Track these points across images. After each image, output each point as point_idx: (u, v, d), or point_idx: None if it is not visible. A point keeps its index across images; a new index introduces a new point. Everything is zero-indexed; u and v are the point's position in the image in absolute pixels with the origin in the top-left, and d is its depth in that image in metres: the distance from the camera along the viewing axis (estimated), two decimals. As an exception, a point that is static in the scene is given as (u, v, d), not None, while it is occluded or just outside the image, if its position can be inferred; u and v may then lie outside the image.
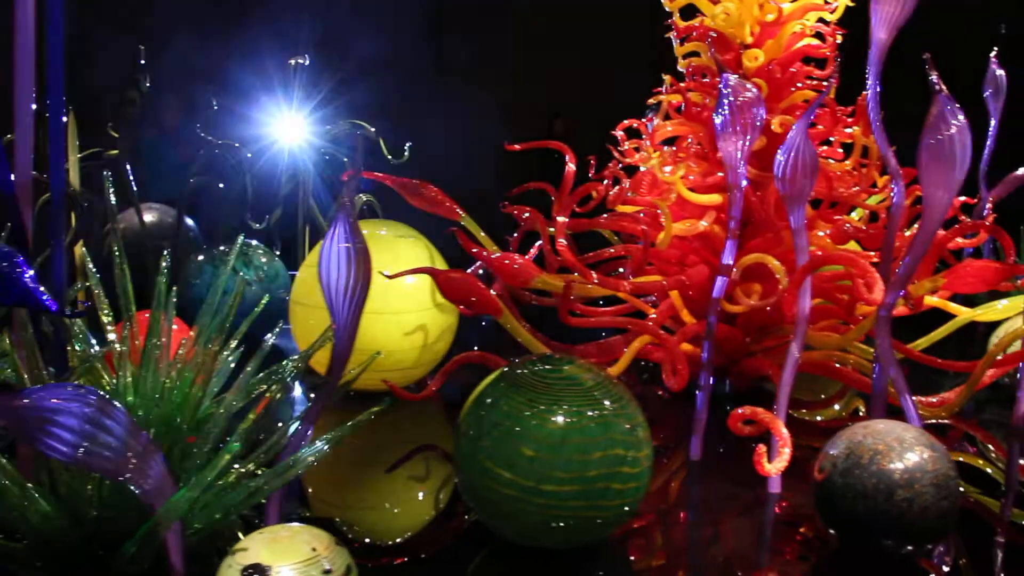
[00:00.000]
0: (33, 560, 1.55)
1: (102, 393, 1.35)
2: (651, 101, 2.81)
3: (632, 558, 1.94)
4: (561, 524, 1.70)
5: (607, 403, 1.74)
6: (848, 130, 2.68)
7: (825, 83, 2.56)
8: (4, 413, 1.27)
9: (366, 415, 1.73)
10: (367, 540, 1.99)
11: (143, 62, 3.09)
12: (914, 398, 2.37)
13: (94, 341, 1.84)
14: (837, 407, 2.95)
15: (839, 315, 2.64)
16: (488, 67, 4.50)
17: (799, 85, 2.66)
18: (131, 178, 3.21)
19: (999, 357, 2.33)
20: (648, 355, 2.68)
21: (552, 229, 2.67)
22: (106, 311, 1.90)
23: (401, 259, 2.56)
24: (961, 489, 2.22)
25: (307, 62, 3.19)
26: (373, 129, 3.31)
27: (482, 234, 2.77)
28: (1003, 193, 2.87)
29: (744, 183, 2.15)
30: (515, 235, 2.94)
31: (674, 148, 2.83)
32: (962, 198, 2.81)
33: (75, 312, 1.51)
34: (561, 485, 1.66)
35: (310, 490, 2.22)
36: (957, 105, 1.85)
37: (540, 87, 4.50)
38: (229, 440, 1.69)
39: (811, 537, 1.99)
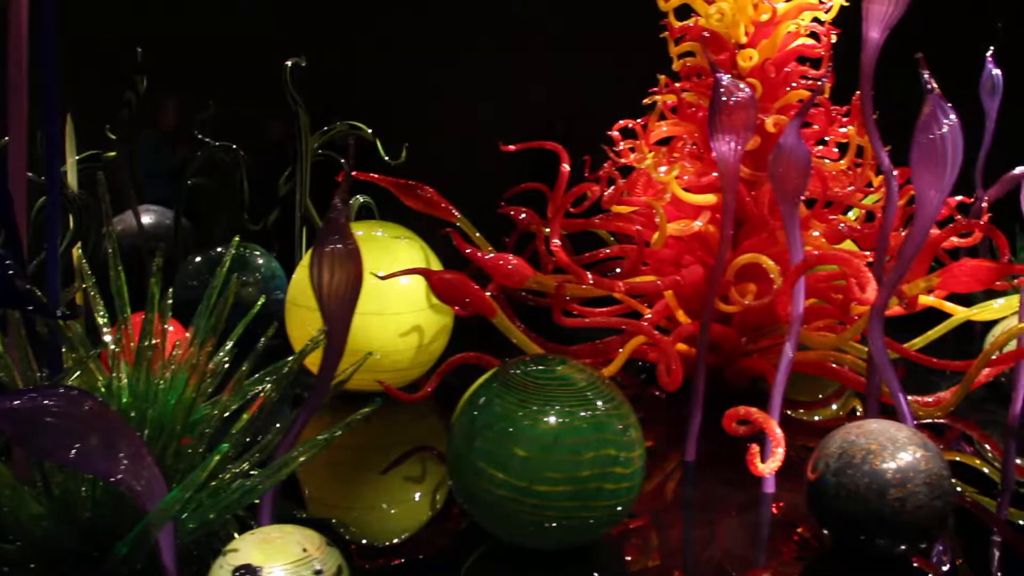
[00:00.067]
0: (27, 561, 1.56)
1: (94, 395, 1.36)
2: (646, 101, 2.81)
3: (626, 559, 1.94)
4: (554, 524, 1.70)
5: (599, 403, 1.74)
6: (842, 129, 2.68)
7: (819, 82, 2.56)
8: (-5, 415, 1.27)
9: (357, 416, 1.74)
10: (362, 541, 1.99)
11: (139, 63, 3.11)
12: (909, 398, 2.38)
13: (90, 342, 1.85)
14: (835, 407, 2.95)
15: (834, 315, 2.64)
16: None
17: (794, 85, 2.66)
18: (129, 180, 3.22)
19: (994, 356, 2.32)
20: (644, 355, 2.68)
21: (547, 229, 2.68)
22: (102, 312, 1.90)
23: (397, 260, 2.56)
24: (957, 488, 2.23)
25: (304, 63, 3.19)
26: (370, 130, 3.32)
27: (477, 234, 2.77)
28: (999, 192, 2.86)
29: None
30: (512, 236, 2.95)
31: (669, 148, 2.83)
32: (959, 197, 2.81)
33: (65, 314, 1.51)
34: (554, 486, 1.67)
35: (306, 491, 2.23)
36: (949, 104, 1.85)
37: (540, 87, 4.50)
38: (223, 440, 1.70)
39: (805, 537, 1.99)
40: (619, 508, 1.76)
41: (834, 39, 2.67)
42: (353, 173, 2.73)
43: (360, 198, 3.17)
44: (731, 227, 2.19)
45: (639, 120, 2.83)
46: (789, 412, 2.78)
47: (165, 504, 1.41)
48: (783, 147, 2.03)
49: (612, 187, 2.81)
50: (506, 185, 2.93)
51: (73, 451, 1.33)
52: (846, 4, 2.65)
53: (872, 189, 2.71)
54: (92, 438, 1.35)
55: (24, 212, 1.76)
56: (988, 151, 3.11)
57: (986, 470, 2.50)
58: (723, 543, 2.04)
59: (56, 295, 1.76)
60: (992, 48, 2.92)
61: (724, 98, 2.06)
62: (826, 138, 2.74)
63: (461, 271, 2.55)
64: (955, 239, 2.64)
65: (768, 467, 1.99)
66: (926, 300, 2.63)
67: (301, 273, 2.71)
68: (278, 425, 1.76)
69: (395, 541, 2.04)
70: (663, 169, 2.62)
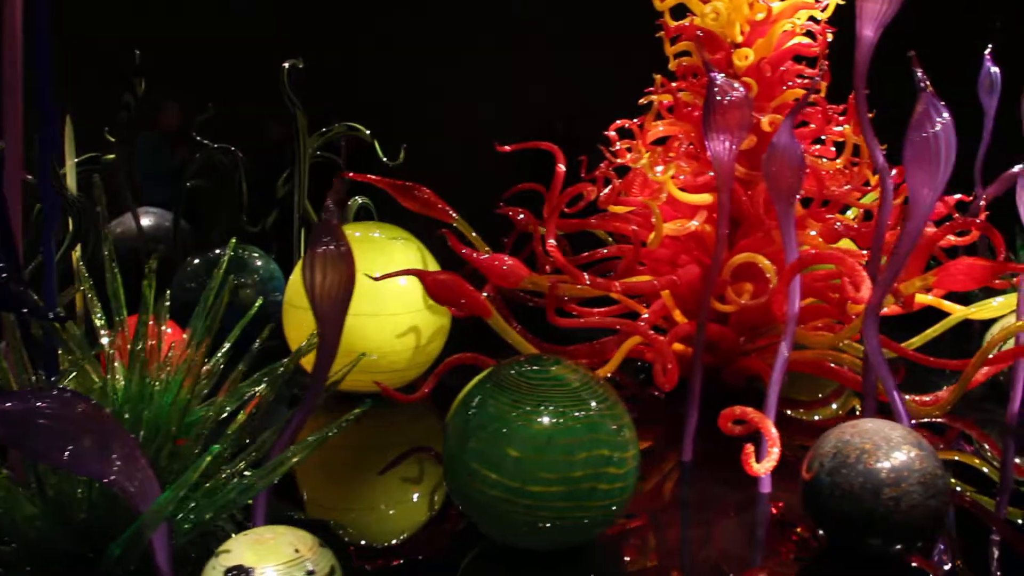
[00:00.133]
0: (22, 563, 1.56)
1: (87, 396, 1.36)
2: (642, 101, 2.81)
3: (622, 559, 1.94)
4: (548, 525, 1.70)
5: (593, 404, 1.74)
6: (838, 128, 2.68)
7: (812, 80, 2.55)
8: (-12, 417, 1.28)
9: (349, 417, 1.74)
10: (359, 542, 2.00)
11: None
12: (907, 397, 2.37)
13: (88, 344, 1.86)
14: (834, 406, 2.94)
15: (832, 314, 2.63)
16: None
17: (790, 84, 2.65)
18: (128, 182, 3.23)
19: (991, 355, 2.31)
20: (641, 355, 2.68)
21: (544, 230, 2.68)
22: (99, 314, 1.91)
23: (394, 261, 2.57)
24: (956, 488, 2.23)
25: (301, 64, 3.19)
26: (368, 132, 3.32)
27: (473, 235, 2.77)
28: (998, 191, 2.85)
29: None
30: (510, 236, 2.95)
31: (666, 148, 2.82)
32: (957, 196, 2.81)
33: (59, 316, 1.52)
34: (547, 486, 1.67)
35: (304, 492, 2.24)
36: (942, 102, 1.85)
37: (540, 87, 4.50)
38: (218, 442, 1.70)
39: (802, 537, 1.99)
40: (613, 508, 1.76)
41: (830, 38, 2.67)
42: (350, 174, 2.74)
43: (359, 199, 3.17)
44: (726, 226, 2.19)
45: (636, 120, 2.83)
46: (788, 412, 2.78)
47: (158, 505, 1.41)
48: (776, 146, 2.03)
49: (609, 187, 2.80)
50: (506, 185, 2.93)
51: (66, 453, 1.34)
52: (842, 3, 2.64)
53: (869, 188, 2.70)
54: (85, 440, 1.36)
55: (19, 215, 1.77)
56: (987, 149, 3.10)
57: (985, 469, 2.49)
58: (719, 543, 2.04)
59: (53, 297, 1.77)
60: (990, 46, 2.91)
61: (718, 97, 2.06)
62: (823, 137, 2.74)
63: (459, 272, 2.55)
64: (952, 237, 2.64)
65: (763, 467, 1.99)
66: (924, 299, 2.62)
67: (299, 274, 2.72)
68: (272, 425, 1.77)
69: (391, 542, 2.04)
70: (659, 169, 2.62)
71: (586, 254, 2.91)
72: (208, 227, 3.54)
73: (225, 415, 1.87)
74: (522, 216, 2.83)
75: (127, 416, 1.71)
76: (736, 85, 2.08)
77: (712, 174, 2.55)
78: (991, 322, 2.78)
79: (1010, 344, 2.48)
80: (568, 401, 1.72)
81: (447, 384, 2.58)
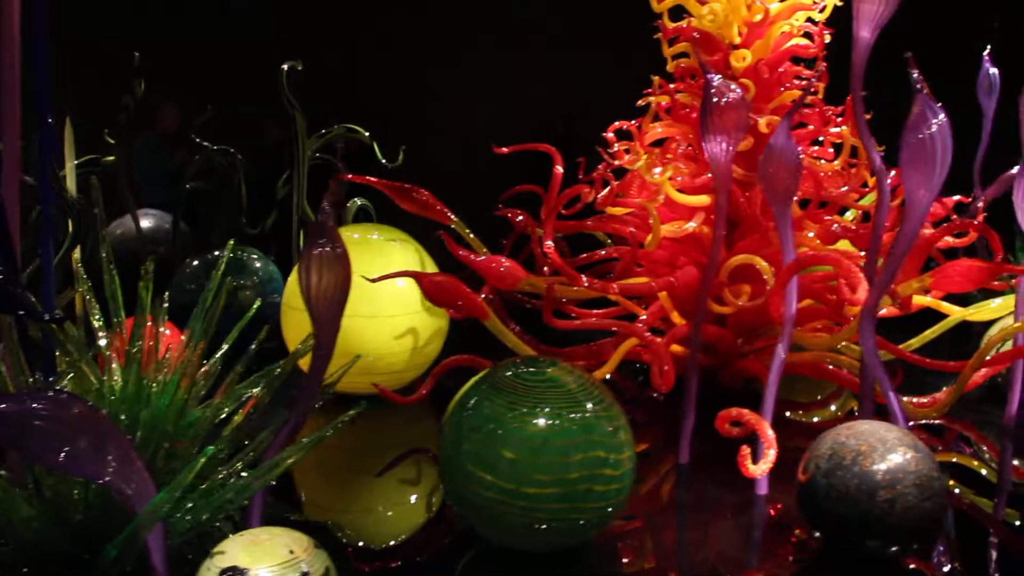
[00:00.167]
0: (19, 564, 1.57)
1: (83, 398, 1.37)
2: (640, 103, 2.81)
3: (618, 560, 1.94)
4: (544, 526, 1.71)
5: (589, 405, 1.74)
6: (835, 129, 2.68)
7: (808, 82, 2.55)
8: (-17, 418, 1.28)
9: (344, 418, 1.75)
10: (356, 543, 2.00)
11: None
12: (905, 398, 2.37)
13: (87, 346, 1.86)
14: (833, 407, 2.94)
15: (830, 316, 2.63)
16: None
17: (788, 85, 2.65)
18: (128, 184, 3.24)
19: (989, 357, 2.31)
20: (639, 357, 2.68)
21: (542, 231, 2.68)
22: (97, 316, 1.92)
23: (391, 263, 2.57)
24: (956, 490, 2.22)
25: (300, 66, 3.20)
26: (367, 133, 3.33)
27: (471, 236, 2.77)
28: (997, 193, 2.84)
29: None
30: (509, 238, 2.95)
31: (663, 150, 2.82)
32: (956, 197, 2.80)
33: (55, 318, 1.52)
34: (542, 488, 1.67)
35: (301, 493, 2.24)
36: (939, 103, 1.85)
37: (540, 87, 4.50)
38: (215, 443, 1.71)
39: (798, 539, 1.99)
40: (609, 509, 1.76)
41: (828, 39, 2.67)
42: (349, 176, 2.74)
43: (357, 201, 3.18)
44: (723, 228, 2.19)
45: (634, 121, 2.83)
46: (788, 413, 2.78)
47: (153, 506, 1.42)
48: (773, 147, 2.03)
49: (607, 189, 2.80)
50: (507, 186, 2.93)
51: (62, 454, 1.34)
52: (840, 4, 2.64)
53: (867, 189, 2.70)
54: (81, 441, 1.36)
55: (17, 216, 1.77)
56: (986, 150, 3.09)
57: (983, 471, 2.49)
58: (716, 545, 2.04)
59: (51, 299, 1.78)
60: (989, 47, 2.91)
61: (715, 99, 2.06)
62: (821, 138, 2.74)
63: (458, 274, 2.55)
64: (950, 239, 2.63)
65: (759, 468, 1.99)
66: (922, 300, 2.62)
67: (297, 276, 2.72)
68: (269, 426, 1.77)
69: (388, 543, 2.05)
70: (657, 171, 2.62)
71: (584, 255, 2.91)
72: (207, 229, 3.55)
73: (223, 416, 1.88)
74: (520, 218, 2.83)
75: (123, 417, 1.71)
76: (733, 86, 2.08)
77: (710, 175, 2.55)
78: (991, 324, 2.78)
79: (1008, 346, 2.47)
80: (564, 403, 1.73)
81: (445, 386, 2.58)
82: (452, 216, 2.74)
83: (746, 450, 2.00)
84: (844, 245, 2.74)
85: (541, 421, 1.70)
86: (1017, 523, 2.14)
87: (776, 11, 2.60)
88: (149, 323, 1.88)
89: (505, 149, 2.77)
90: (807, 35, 2.69)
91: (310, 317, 1.61)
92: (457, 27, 4.49)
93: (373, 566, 1.89)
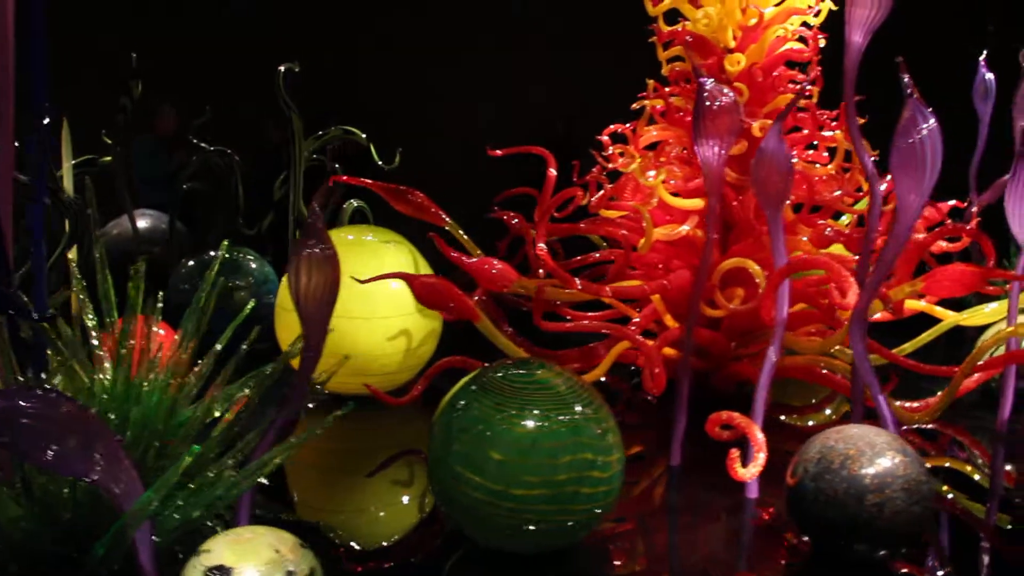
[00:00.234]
0: (6, 564, 1.57)
1: (72, 397, 1.37)
2: (635, 106, 2.81)
3: (607, 562, 1.94)
4: (531, 528, 1.71)
5: (578, 408, 1.74)
6: (829, 133, 2.68)
7: (800, 86, 2.56)
8: (-29, 417, 1.29)
9: (328, 420, 1.76)
10: (346, 543, 2.01)
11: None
12: (897, 403, 2.37)
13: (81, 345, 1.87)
14: (828, 411, 2.94)
15: (823, 320, 2.63)
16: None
17: (782, 89, 2.66)
18: (125, 184, 3.25)
19: (981, 362, 2.31)
20: (634, 360, 2.68)
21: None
22: (91, 316, 1.92)
23: (385, 264, 2.58)
24: (947, 495, 2.22)
25: (298, 68, 3.21)
26: (364, 135, 3.34)
27: (465, 238, 2.78)
28: (992, 198, 2.85)
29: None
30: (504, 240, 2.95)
31: (657, 153, 2.83)
32: (952, 202, 2.81)
33: (45, 317, 1.53)
34: (530, 489, 1.67)
35: (292, 493, 2.25)
36: (930, 108, 1.85)
37: (540, 87, 4.51)
38: (204, 442, 1.72)
39: (788, 542, 1.99)
40: (597, 511, 1.77)
41: (822, 43, 2.67)
42: (344, 178, 2.75)
43: (353, 202, 3.19)
44: (715, 231, 2.20)
45: (629, 124, 2.83)
46: (782, 417, 2.78)
47: (140, 504, 1.42)
48: (765, 151, 2.03)
49: (601, 191, 2.81)
50: (508, 188, 2.93)
51: (50, 452, 1.35)
52: (835, 8, 2.65)
53: (862, 194, 2.70)
54: (70, 440, 1.37)
55: (10, 216, 1.78)
56: (982, 155, 3.10)
57: (976, 476, 2.49)
58: (705, 548, 2.04)
59: (43, 298, 1.79)
60: (985, 52, 2.91)
61: (708, 103, 2.06)
62: (816, 143, 2.74)
63: (453, 276, 2.56)
64: (944, 244, 2.64)
65: (748, 472, 1.99)
66: (917, 305, 2.62)
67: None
68: (259, 426, 1.78)
69: (378, 544, 2.05)
70: (651, 174, 2.62)
71: (578, 258, 2.92)
72: (204, 230, 3.56)
73: (216, 416, 1.89)
74: (516, 220, 2.84)
75: (113, 416, 1.72)
76: (726, 90, 2.09)
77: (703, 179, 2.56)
78: (986, 328, 2.78)
79: (1001, 350, 2.47)
80: (552, 405, 1.73)
81: (438, 387, 2.59)
82: (446, 218, 2.75)
83: (735, 453, 2.00)
84: (838, 249, 2.74)
85: (530, 423, 1.70)
86: (1008, 528, 2.14)
87: (771, 15, 2.61)
88: (141, 323, 1.89)
89: (499, 152, 2.78)
90: (802, 39, 2.69)
91: (299, 317, 1.62)
92: (457, 27, 4.50)
93: (362, 567, 1.90)
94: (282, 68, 3.19)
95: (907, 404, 2.44)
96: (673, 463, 2.30)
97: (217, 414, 1.87)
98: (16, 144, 1.83)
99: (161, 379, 1.82)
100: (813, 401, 3.01)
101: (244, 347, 1.97)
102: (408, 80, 4.47)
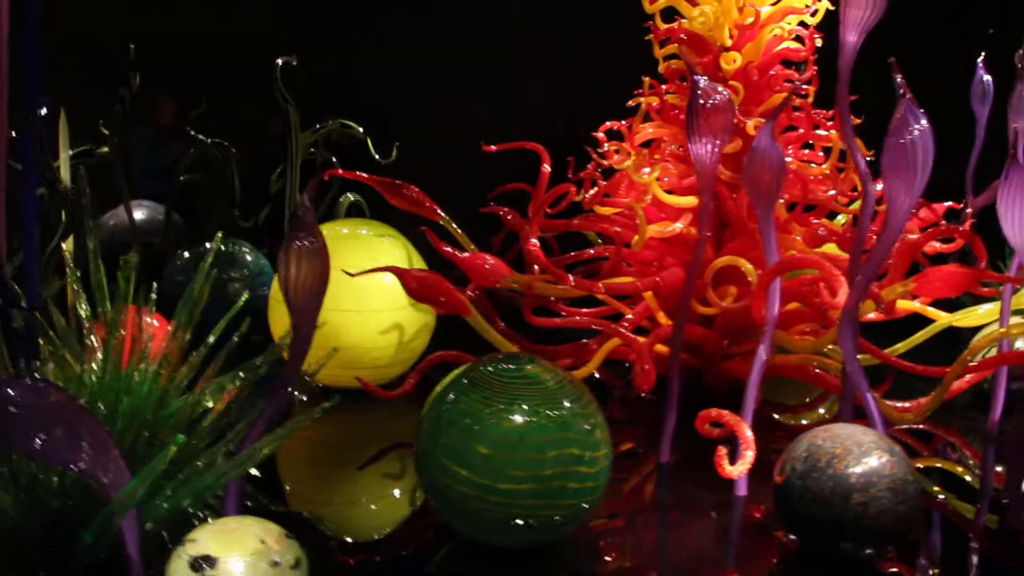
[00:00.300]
0: (-3, 552, 1.58)
1: (60, 386, 1.38)
2: (630, 103, 2.82)
3: (595, 558, 1.95)
4: (519, 522, 1.72)
5: (566, 403, 1.75)
6: (824, 133, 2.68)
7: (795, 84, 2.56)
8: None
9: (315, 412, 1.76)
10: (334, 535, 2.01)
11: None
12: (888, 402, 2.37)
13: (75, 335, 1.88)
14: (821, 410, 2.95)
15: (816, 319, 2.64)
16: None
17: (778, 88, 2.66)
18: (123, 175, 3.26)
19: (973, 363, 2.31)
20: (626, 356, 2.68)
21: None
22: (84, 306, 1.93)
23: (379, 258, 2.59)
24: (938, 495, 2.23)
25: (295, 61, 3.21)
26: (361, 129, 3.34)
27: (459, 232, 2.78)
28: (988, 200, 2.84)
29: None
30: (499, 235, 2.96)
31: (652, 150, 2.83)
32: (947, 203, 2.81)
33: (33, 306, 1.54)
34: (517, 484, 1.68)
35: (283, 485, 2.26)
36: (922, 109, 1.85)
37: (540, 87, 4.52)
38: (193, 431, 1.73)
39: (776, 540, 1.99)
40: (584, 507, 1.77)
41: (819, 43, 2.67)
42: (339, 171, 2.75)
43: (350, 196, 3.19)
44: (708, 229, 2.20)
45: (625, 122, 2.84)
46: (775, 415, 2.78)
47: (126, 493, 1.43)
48: (757, 149, 2.04)
49: (595, 188, 2.81)
50: (507, 185, 2.94)
51: (38, 441, 1.36)
52: (832, 8, 2.65)
53: (857, 194, 2.71)
54: (57, 429, 1.38)
55: (3, 205, 1.79)
56: (979, 157, 3.09)
57: (967, 477, 2.49)
58: (693, 544, 2.05)
59: (34, 288, 1.80)
60: (983, 54, 2.91)
61: (701, 101, 2.06)
62: (811, 142, 2.74)
63: (447, 270, 2.56)
64: (938, 245, 2.64)
65: (736, 469, 1.99)
66: (910, 306, 2.62)
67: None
68: (248, 416, 1.79)
69: (369, 536, 2.06)
70: (646, 171, 2.63)
71: (572, 254, 2.92)
72: (201, 221, 3.57)
73: (208, 407, 1.89)
74: (510, 216, 2.84)
75: (102, 406, 1.73)
76: (720, 89, 2.09)
77: (697, 176, 2.56)
78: (979, 330, 2.78)
79: (993, 352, 2.48)
80: (540, 400, 1.73)
81: (430, 380, 2.59)
82: (441, 213, 2.75)
83: (723, 450, 2.01)
84: (832, 249, 2.74)
85: (517, 417, 1.71)
86: (998, 528, 2.15)
87: (767, 14, 2.60)
88: (132, 313, 1.90)
89: (494, 147, 2.78)
90: (798, 39, 2.69)
91: (288, 309, 1.63)
92: (456, 27, 4.51)
93: (349, 559, 1.91)
94: (280, 61, 3.19)
95: (897, 404, 2.44)
96: (663, 460, 2.31)
97: (208, 405, 1.88)
98: (12, 134, 1.84)
99: (152, 369, 1.83)
100: (807, 400, 3.01)
101: (235, 338, 1.98)
102: (408, 80, 4.48)
